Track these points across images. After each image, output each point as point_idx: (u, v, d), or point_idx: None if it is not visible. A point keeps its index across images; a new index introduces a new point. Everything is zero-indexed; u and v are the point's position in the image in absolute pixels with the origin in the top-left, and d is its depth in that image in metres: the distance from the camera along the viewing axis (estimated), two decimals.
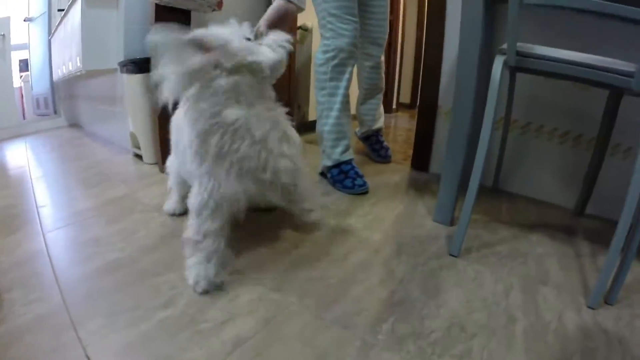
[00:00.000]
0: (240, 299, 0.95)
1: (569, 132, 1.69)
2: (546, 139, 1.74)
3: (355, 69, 1.87)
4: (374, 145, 2.27)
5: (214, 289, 0.98)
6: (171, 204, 1.42)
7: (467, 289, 1.03)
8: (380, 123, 2.26)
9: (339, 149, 1.78)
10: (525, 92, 1.73)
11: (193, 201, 0.98)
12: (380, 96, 2.20)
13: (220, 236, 0.99)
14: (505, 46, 1.16)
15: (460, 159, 1.33)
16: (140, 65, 1.98)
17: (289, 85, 2.70)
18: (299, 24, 2.72)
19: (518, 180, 1.82)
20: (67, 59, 2.60)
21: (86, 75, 2.49)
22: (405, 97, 4.64)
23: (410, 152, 2.20)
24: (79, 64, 2.32)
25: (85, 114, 2.86)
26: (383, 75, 2.14)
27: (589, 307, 0.97)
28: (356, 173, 1.77)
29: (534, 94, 1.73)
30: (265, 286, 1.00)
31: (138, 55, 2.02)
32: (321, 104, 1.80)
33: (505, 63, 1.17)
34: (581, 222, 1.53)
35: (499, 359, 0.80)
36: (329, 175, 1.84)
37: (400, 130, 3.30)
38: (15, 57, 3.57)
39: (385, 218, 1.44)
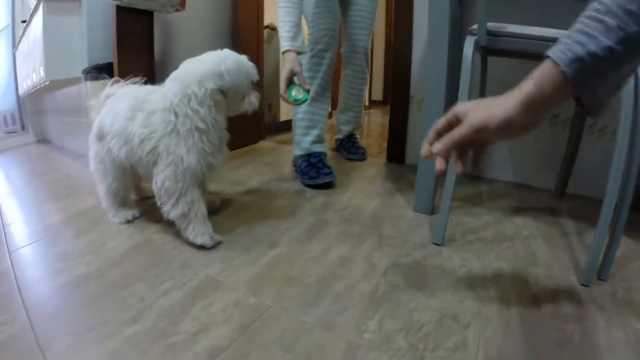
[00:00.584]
0: (214, 306, 0.85)
1: None
2: None
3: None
4: (345, 145, 2.19)
5: (214, 245, 1.10)
6: (118, 210, 1.30)
7: (455, 277, 0.96)
8: (351, 126, 2.19)
9: (309, 138, 1.74)
10: (498, 79, 1.68)
11: (165, 184, 1.06)
12: (360, 110, 2.15)
13: (202, 201, 1.11)
14: (475, 27, 1.10)
15: None
16: (103, 70, 1.86)
17: (258, 85, 2.61)
18: (265, 23, 2.64)
19: (496, 165, 1.77)
20: (31, 71, 2.46)
21: (51, 86, 2.34)
22: (377, 95, 4.61)
23: (385, 145, 2.14)
24: (42, 75, 2.18)
25: (53, 128, 2.72)
26: (364, 92, 2.10)
27: (583, 285, 0.92)
28: (324, 165, 1.69)
29: (507, 80, 1.66)
30: (240, 291, 0.90)
31: (102, 60, 1.90)
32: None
33: (476, 43, 1.11)
34: (563, 203, 1.49)
35: (497, 347, 0.72)
36: (298, 169, 1.77)
37: (374, 125, 3.24)
38: None
39: (363, 211, 1.37)
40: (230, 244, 1.12)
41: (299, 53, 1.48)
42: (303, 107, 1.73)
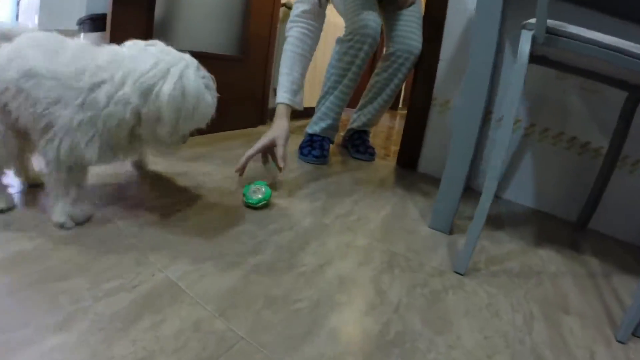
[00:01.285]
0: (166, 326, 0.61)
1: (575, 138, 1.43)
2: (550, 143, 1.47)
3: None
4: (355, 141, 1.96)
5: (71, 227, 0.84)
6: None
7: (482, 319, 0.74)
8: (367, 124, 1.96)
9: (324, 124, 1.75)
10: (530, 91, 1.47)
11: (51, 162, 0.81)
12: (382, 113, 1.91)
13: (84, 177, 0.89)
14: (532, 21, 0.87)
15: (468, 160, 1.04)
16: (98, 21, 1.62)
17: (265, 68, 2.36)
18: (283, 0, 2.41)
19: (516, 187, 1.54)
20: (29, 20, 2.22)
21: None
22: None
23: (393, 149, 1.92)
24: (35, 24, 1.94)
25: None
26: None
27: (619, 341, 0.76)
28: (321, 147, 1.72)
29: (540, 93, 1.46)
30: (204, 309, 0.66)
31: (100, 10, 1.64)
32: (327, 81, 1.75)
33: (533, 39, 0.88)
34: (585, 238, 1.30)
35: None
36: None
37: (381, 127, 3.01)
38: None
39: (370, 219, 1.13)
40: (203, 242, 0.88)
41: (293, 110, 1.36)
42: (331, 98, 1.71)
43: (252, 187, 1.13)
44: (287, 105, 1.34)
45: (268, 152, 1.33)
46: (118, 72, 0.75)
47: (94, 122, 0.77)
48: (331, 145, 1.87)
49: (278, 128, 1.30)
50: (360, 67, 1.66)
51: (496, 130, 1.49)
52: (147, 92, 0.75)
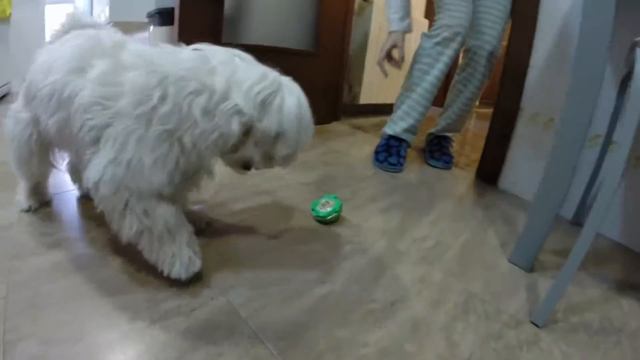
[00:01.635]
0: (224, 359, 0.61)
1: None
2: None
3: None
4: (433, 146, 1.87)
5: (189, 278, 0.74)
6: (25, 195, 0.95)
7: None
8: (449, 130, 1.88)
9: (404, 125, 1.69)
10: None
11: (101, 189, 0.68)
12: (463, 118, 1.84)
13: (167, 209, 0.71)
14: None
15: (564, 189, 0.92)
16: (167, 15, 1.66)
17: (341, 63, 2.32)
18: None
19: (607, 219, 1.38)
20: (101, 12, 2.35)
21: (121, 30, 2.22)
22: None
23: (473, 157, 1.81)
24: (107, 15, 2.05)
25: None
26: (474, 101, 1.78)
27: None
28: (397, 153, 1.68)
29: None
30: (264, 345, 0.64)
31: (169, 4, 1.67)
32: (411, 78, 1.68)
33: None
34: None
35: None
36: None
37: (463, 131, 2.86)
38: (60, 10, 3.30)
39: (448, 246, 1.07)
40: (268, 262, 0.87)
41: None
42: (414, 95, 1.66)
43: (322, 200, 1.11)
44: (395, 31, 1.59)
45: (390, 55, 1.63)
46: (215, 80, 0.63)
47: (168, 139, 0.66)
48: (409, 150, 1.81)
49: (393, 37, 1.59)
50: (447, 64, 1.60)
51: (587, 150, 1.33)
52: (264, 104, 0.65)
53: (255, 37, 1.91)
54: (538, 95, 1.50)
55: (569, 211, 1.39)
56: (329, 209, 1.08)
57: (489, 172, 1.67)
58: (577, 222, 1.36)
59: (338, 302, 0.78)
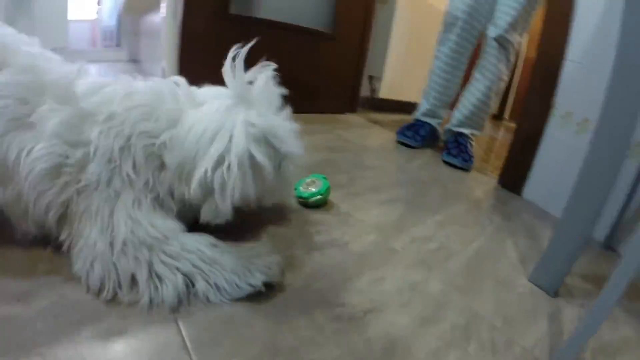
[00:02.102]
0: None
1: None
2: None
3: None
4: (450, 143, 1.67)
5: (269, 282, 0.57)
6: None
7: None
8: (466, 127, 1.70)
9: (422, 108, 1.76)
10: None
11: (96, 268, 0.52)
12: (480, 115, 1.69)
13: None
14: None
15: (599, 204, 0.70)
16: None
17: (360, 50, 2.10)
18: None
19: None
20: None
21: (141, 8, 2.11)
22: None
23: (496, 164, 1.59)
24: None
25: (143, 50, 2.51)
26: (489, 96, 1.64)
27: None
28: (416, 130, 1.72)
29: None
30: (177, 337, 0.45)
31: None
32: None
33: None
34: None
35: None
36: None
37: (482, 136, 2.62)
38: None
39: (455, 253, 0.84)
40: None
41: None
42: (431, 77, 1.69)
43: (307, 179, 0.91)
44: None
45: None
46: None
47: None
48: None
49: None
50: (452, 49, 1.60)
51: (627, 160, 1.09)
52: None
53: (267, 10, 1.72)
54: (572, 92, 1.26)
55: (600, 232, 1.14)
56: (313, 190, 0.88)
57: (513, 179, 1.43)
58: (610, 246, 1.11)
59: (291, 299, 0.57)
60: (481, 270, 0.80)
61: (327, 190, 0.89)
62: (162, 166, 0.57)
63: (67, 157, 0.51)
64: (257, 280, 0.54)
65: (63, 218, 0.53)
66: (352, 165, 1.27)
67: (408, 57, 2.36)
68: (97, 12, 2.95)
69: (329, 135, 1.59)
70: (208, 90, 0.64)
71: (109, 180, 0.53)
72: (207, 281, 0.52)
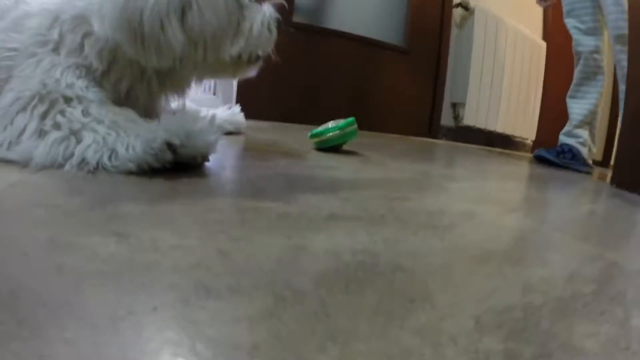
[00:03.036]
0: None
1: None
2: None
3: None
4: (563, 148, 1.50)
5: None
6: None
7: None
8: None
9: (565, 128, 1.56)
10: None
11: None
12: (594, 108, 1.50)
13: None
14: None
15: None
16: None
17: (437, 71, 1.92)
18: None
19: None
20: None
21: None
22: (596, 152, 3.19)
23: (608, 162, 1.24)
24: None
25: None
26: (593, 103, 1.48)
27: None
28: (572, 156, 1.47)
29: None
30: None
31: None
32: None
33: None
34: None
35: None
36: None
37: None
38: None
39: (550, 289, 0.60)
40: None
41: None
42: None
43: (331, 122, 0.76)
44: None
45: None
46: None
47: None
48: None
49: None
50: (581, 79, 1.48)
51: None
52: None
53: (334, 21, 1.67)
54: None
55: None
56: (329, 125, 0.72)
57: (629, 174, 1.08)
58: None
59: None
60: (572, 311, 0.54)
61: (348, 125, 0.72)
62: (90, 33, 0.54)
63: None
64: (158, 142, 0.45)
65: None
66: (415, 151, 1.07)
67: (494, 81, 2.12)
68: None
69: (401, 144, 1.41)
70: None
71: (35, 48, 0.54)
72: (97, 142, 0.47)
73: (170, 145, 0.47)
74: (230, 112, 0.98)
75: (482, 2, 2.06)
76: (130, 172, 0.47)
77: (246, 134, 1.02)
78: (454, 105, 2.15)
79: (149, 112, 0.63)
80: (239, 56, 0.59)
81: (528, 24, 2.37)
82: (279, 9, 0.64)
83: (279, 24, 0.61)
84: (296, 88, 1.59)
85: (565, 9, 1.47)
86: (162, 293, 0.21)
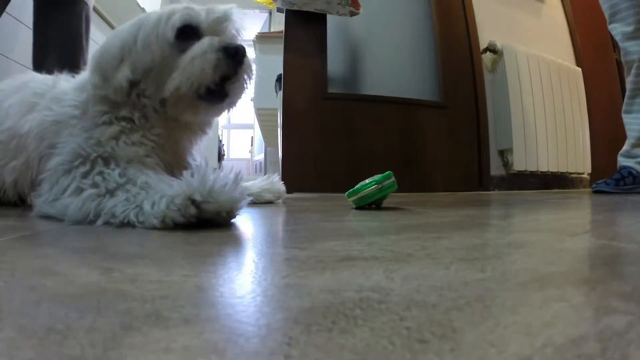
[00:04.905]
0: None
1: None
2: None
3: None
4: (622, 173, 1.36)
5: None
6: None
7: None
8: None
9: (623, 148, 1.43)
10: None
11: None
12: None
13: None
14: None
15: None
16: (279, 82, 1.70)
17: (478, 121, 1.83)
18: (483, 43, 1.94)
19: None
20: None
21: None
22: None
23: None
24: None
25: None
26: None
27: None
28: (632, 180, 1.33)
29: None
30: None
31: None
32: None
33: None
34: None
35: None
36: None
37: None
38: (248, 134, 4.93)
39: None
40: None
41: None
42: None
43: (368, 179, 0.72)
44: None
45: None
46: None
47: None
48: None
49: None
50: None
51: None
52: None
53: (369, 87, 1.68)
54: None
55: None
56: (366, 182, 0.67)
57: None
58: None
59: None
60: None
61: (385, 179, 0.66)
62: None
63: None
64: (180, 198, 0.47)
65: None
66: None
67: (537, 119, 1.99)
68: (250, 152, 3.68)
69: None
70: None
71: (72, 116, 0.61)
72: (127, 199, 0.51)
73: (193, 201, 0.47)
74: (269, 181, 0.96)
75: (509, 40, 2.00)
76: (154, 228, 0.47)
77: (286, 202, 0.99)
78: (502, 152, 2.02)
79: (177, 161, 0.68)
80: (179, 89, 0.57)
81: (559, 52, 2.26)
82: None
83: (228, 50, 0.56)
84: (339, 158, 1.57)
85: (607, 13, 1.31)
86: (110, 315, 0.19)
